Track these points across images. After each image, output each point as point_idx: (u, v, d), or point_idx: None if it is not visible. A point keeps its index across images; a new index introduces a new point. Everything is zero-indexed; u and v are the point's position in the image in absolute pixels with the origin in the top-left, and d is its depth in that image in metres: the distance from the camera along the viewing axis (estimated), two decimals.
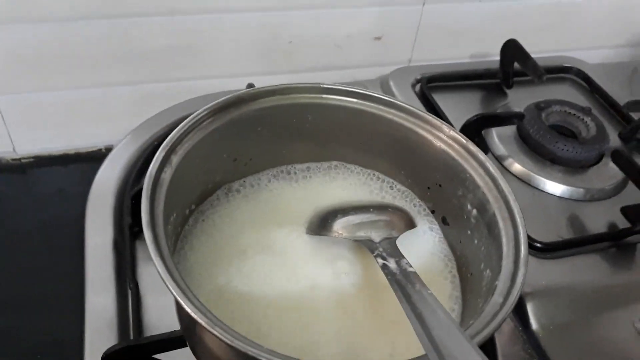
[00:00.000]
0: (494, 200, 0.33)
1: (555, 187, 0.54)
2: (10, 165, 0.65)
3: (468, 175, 0.35)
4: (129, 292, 0.44)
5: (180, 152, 0.32)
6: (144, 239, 0.49)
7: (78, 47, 0.58)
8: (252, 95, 0.36)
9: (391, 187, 0.40)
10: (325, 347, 0.32)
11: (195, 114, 0.34)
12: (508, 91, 0.67)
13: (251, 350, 0.24)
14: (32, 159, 0.66)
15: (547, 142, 0.56)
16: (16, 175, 0.66)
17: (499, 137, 0.59)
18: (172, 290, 0.25)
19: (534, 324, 0.44)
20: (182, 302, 0.24)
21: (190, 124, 0.33)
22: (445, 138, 0.36)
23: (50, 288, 0.53)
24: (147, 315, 0.44)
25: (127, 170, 0.53)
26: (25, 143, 0.65)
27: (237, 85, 0.65)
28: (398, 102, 0.38)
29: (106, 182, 0.53)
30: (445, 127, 0.36)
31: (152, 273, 0.47)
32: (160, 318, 0.43)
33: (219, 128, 0.35)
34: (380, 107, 0.38)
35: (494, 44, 0.70)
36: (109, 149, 0.67)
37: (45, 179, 0.66)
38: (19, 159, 0.66)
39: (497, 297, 0.28)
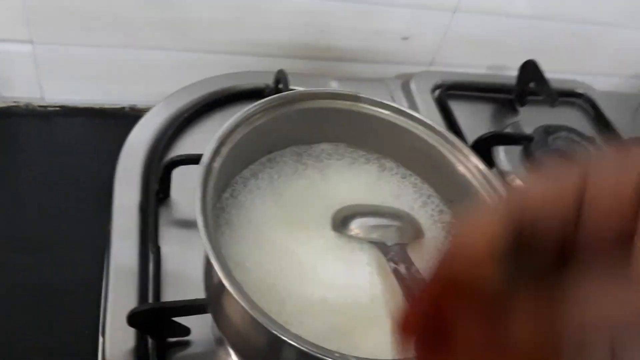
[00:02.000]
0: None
1: None
2: (37, 111, 0.67)
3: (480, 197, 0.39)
4: (151, 255, 0.48)
5: (229, 144, 0.36)
6: (168, 205, 0.53)
7: (122, 6, 0.60)
8: (297, 96, 0.39)
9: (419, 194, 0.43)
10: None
11: (246, 109, 0.37)
12: (520, 109, 0.70)
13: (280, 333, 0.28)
14: (57, 108, 0.68)
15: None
16: (41, 122, 0.68)
17: (505, 152, 0.62)
18: (219, 272, 0.29)
19: None
20: (225, 282, 0.28)
21: (240, 118, 0.36)
22: (465, 161, 0.40)
23: (70, 234, 0.56)
24: (167, 274, 0.47)
25: (157, 136, 0.56)
26: (53, 92, 0.67)
27: (267, 65, 0.67)
28: (424, 119, 0.41)
29: (136, 145, 0.56)
30: (466, 150, 0.40)
31: (173, 239, 0.50)
32: (177, 283, 0.47)
33: (263, 124, 0.38)
34: (408, 121, 0.41)
35: (511, 58, 0.73)
36: (132, 109, 0.70)
37: (68, 129, 0.68)
38: (45, 107, 0.68)
39: None
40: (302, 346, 0.28)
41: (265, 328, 0.28)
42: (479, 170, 0.39)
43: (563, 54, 0.80)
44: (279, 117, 0.39)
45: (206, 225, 0.30)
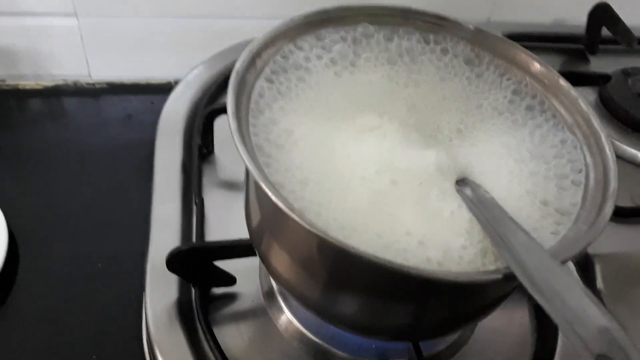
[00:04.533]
0: (583, 137, 0.32)
1: (634, 155, 0.52)
2: (85, 89, 0.67)
3: (557, 112, 0.33)
4: (194, 207, 0.45)
5: (265, 57, 0.32)
6: (211, 163, 0.51)
7: None
8: (342, 11, 0.35)
9: None
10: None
11: (283, 22, 0.33)
12: (591, 57, 0.64)
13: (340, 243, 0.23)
14: (105, 85, 0.68)
15: (631, 109, 0.53)
16: (89, 99, 0.67)
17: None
18: (256, 176, 0.25)
19: (599, 284, 0.42)
20: (266, 189, 0.24)
21: (279, 31, 0.33)
22: (536, 72, 0.35)
23: (114, 205, 0.55)
24: (209, 230, 0.44)
25: (199, 96, 0.54)
26: (100, 69, 0.67)
27: None
28: (486, 31, 0.36)
29: (178, 105, 0.54)
30: (535, 62, 0.35)
31: (216, 196, 0.48)
32: (221, 234, 0.44)
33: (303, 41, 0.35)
34: (468, 37, 0.37)
35: (578, 11, 0.66)
36: (178, 83, 0.69)
37: (115, 105, 0.68)
38: (93, 84, 0.67)
39: (580, 225, 0.27)
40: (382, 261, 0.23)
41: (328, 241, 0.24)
42: (552, 80, 0.34)
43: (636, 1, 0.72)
44: (319, 36, 0.35)
45: (240, 130, 0.27)
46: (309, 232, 0.24)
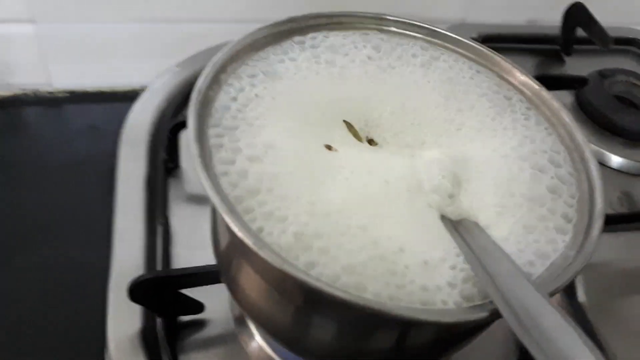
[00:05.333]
0: (566, 151, 0.30)
1: (612, 159, 0.51)
2: (46, 98, 0.64)
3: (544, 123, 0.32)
4: (159, 227, 0.43)
5: (230, 71, 0.30)
6: (177, 177, 0.48)
7: None
8: (308, 19, 0.33)
9: None
10: None
11: (247, 34, 0.31)
12: (567, 59, 0.63)
13: (306, 279, 0.21)
14: (67, 94, 0.65)
15: (609, 112, 0.52)
16: (50, 109, 0.64)
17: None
18: (219, 208, 0.23)
19: (580, 296, 0.41)
20: (230, 222, 0.22)
21: (244, 43, 0.31)
22: (516, 83, 0.33)
23: (76, 218, 0.52)
24: (176, 252, 0.42)
25: (164, 106, 0.52)
26: (61, 77, 0.64)
27: None
28: (466, 41, 0.35)
29: (142, 116, 0.51)
30: (516, 72, 0.33)
31: (183, 213, 0.45)
32: (188, 256, 0.42)
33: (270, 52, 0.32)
34: (446, 44, 0.35)
35: (553, 12, 0.65)
36: (144, 90, 0.66)
37: (78, 115, 0.65)
38: (54, 93, 0.64)
39: (567, 250, 0.26)
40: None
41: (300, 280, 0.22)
42: (533, 91, 0.32)
43: (608, 3, 0.72)
44: (289, 44, 0.33)
45: (203, 156, 0.25)
46: (273, 267, 0.22)
